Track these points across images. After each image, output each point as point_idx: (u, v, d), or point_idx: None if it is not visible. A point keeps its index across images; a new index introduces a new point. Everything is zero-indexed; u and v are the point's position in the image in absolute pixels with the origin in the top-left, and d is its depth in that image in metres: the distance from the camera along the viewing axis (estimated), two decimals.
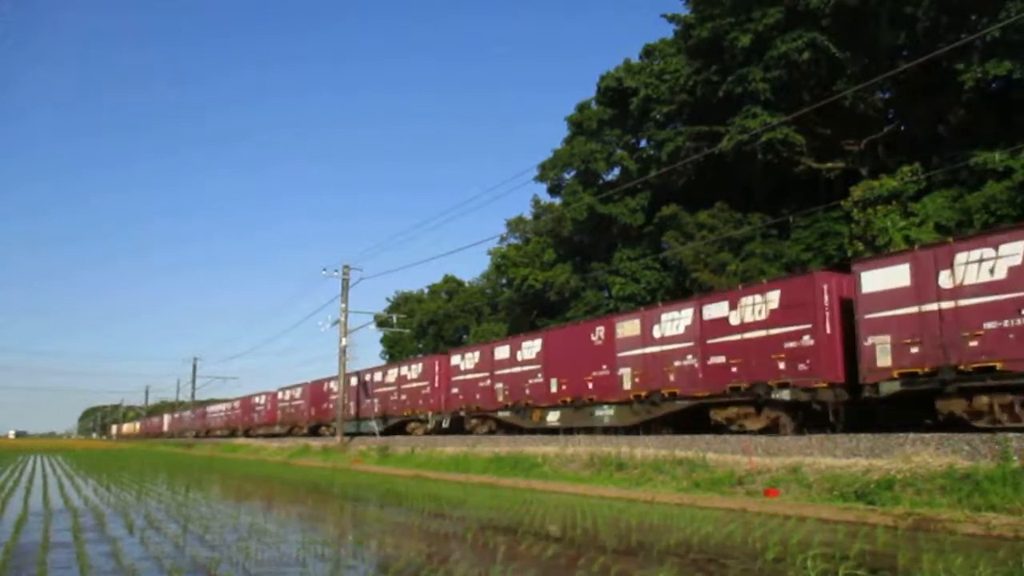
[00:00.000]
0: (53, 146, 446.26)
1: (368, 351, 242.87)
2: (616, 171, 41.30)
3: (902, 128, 30.01)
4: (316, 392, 43.70)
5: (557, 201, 44.90)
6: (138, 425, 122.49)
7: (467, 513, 11.94)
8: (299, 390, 46.77)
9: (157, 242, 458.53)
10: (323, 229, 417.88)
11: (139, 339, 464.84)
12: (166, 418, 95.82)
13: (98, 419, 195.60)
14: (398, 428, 34.75)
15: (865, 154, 29.14)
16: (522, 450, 20.82)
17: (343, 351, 35.90)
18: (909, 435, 12.89)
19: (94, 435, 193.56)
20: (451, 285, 65.44)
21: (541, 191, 46.23)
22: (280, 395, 50.59)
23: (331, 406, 39.77)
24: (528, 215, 48.91)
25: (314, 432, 44.25)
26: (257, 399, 55.76)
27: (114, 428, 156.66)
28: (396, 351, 63.93)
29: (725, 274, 30.46)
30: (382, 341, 65.96)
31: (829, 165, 29.72)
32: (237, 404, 61.38)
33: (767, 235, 31.26)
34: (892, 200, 25.29)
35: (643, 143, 39.10)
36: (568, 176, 43.02)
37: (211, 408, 72.54)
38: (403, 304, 65.18)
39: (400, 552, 8.04)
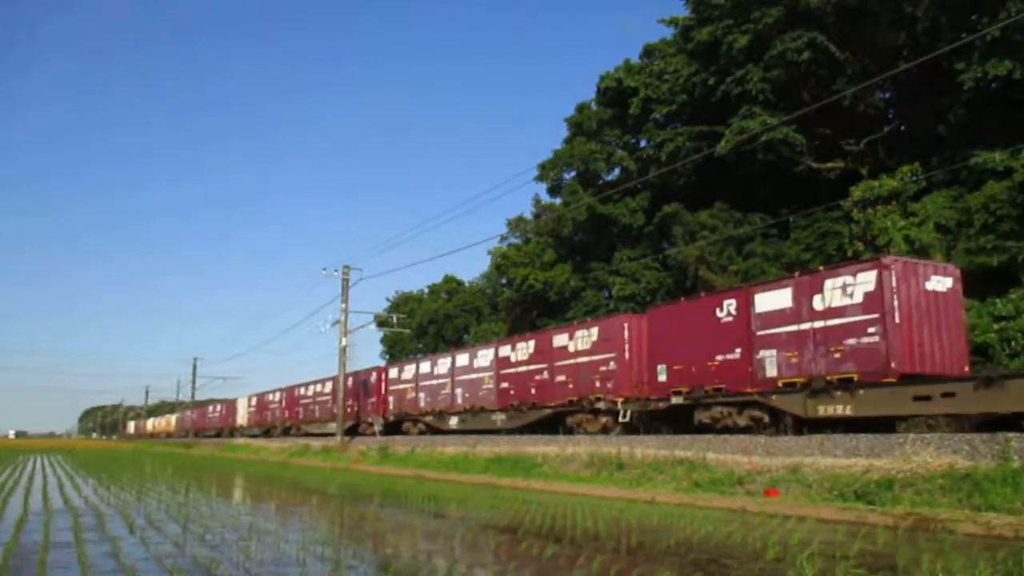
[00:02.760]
0: (53, 144, 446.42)
1: (368, 351, 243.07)
2: (616, 171, 41.29)
3: (902, 128, 29.99)
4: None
5: (557, 201, 44.89)
6: (173, 420, 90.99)
7: (467, 513, 11.94)
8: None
9: (157, 242, 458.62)
10: (323, 229, 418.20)
11: (139, 339, 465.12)
12: (241, 404, 60.06)
13: (99, 419, 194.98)
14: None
15: (865, 154, 29.13)
16: (522, 450, 20.84)
17: (343, 351, 35.90)
18: (909, 435, 12.89)
19: (94, 435, 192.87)
20: (451, 285, 65.44)
21: (541, 191, 46.27)
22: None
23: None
24: (528, 215, 48.93)
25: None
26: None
27: (131, 425, 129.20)
28: (396, 351, 63.95)
29: (727, 274, 30.47)
30: (382, 341, 66.03)
31: (829, 165, 29.71)
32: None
33: (767, 235, 31.26)
34: (892, 200, 25.28)
35: (643, 143, 39.07)
36: (568, 176, 43.02)
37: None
38: (403, 304, 65.16)
39: (400, 552, 8.04)
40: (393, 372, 35.05)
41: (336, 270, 36.77)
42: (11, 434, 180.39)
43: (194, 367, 78.28)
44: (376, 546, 8.77)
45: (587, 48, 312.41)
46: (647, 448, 17.19)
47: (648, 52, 37.36)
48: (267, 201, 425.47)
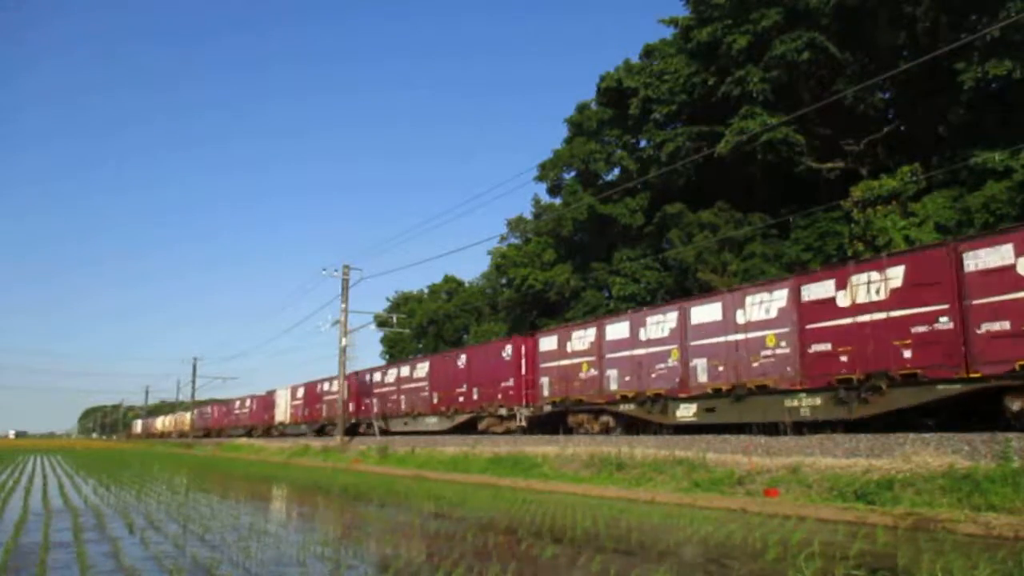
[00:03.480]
0: (52, 145, 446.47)
1: (368, 351, 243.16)
2: (616, 171, 41.33)
3: (902, 128, 30.03)
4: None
5: (557, 201, 44.93)
6: (187, 417, 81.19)
7: (467, 513, 11.94)
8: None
9: (157, 242, 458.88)
10: (323, 229, 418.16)
11: (139, 339, 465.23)
12: (282, 396, 50.78)
13: (99, 419, 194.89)
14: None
15: (865, 154, 29.17)
16: (522, 450, 20.83)
17: (343, 351, 35.91)
18: (909, 435, 12.90)
19: (95, 435, 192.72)
20: (451, 285, 65.47)
21: (541, 191, 46.47)
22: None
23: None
24: (528, 215, 48.97)
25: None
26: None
27: (138, 424, 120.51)
28: (396, 351, 63.96)
29: (726, 274, 30.49)
30: (382, 341, 66.06)
31: (829, 165, 29.74)
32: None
33: (767, 235, 31.28)
34: (892, 200, 25.31)
35: (643, 143, 39.12)
36: (568, 176, 43.06)
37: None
38: (403, 304, 65.21)
39: (400, 552, 8.04)
40: (547, 342, 24.50)
41: (336, 270, 36.82)
42: (11, 434, 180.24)
43: (194, 367, 78.31)
44: (376, 546, 8.77)
45: (587, 48, 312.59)
46: (647, 448, 17.19)
47: (648, 52, 37.39)
48: (267, 201, 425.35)
